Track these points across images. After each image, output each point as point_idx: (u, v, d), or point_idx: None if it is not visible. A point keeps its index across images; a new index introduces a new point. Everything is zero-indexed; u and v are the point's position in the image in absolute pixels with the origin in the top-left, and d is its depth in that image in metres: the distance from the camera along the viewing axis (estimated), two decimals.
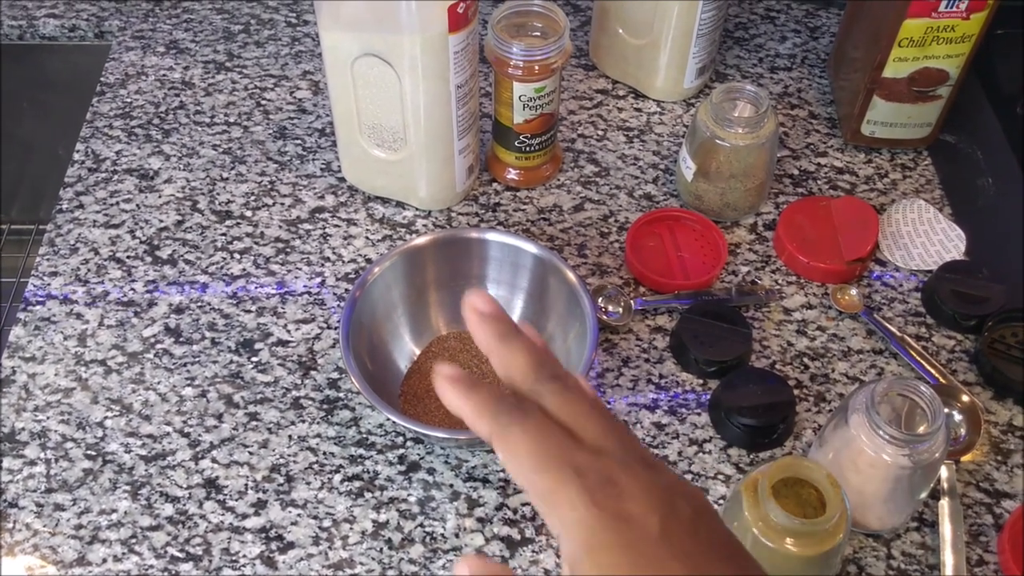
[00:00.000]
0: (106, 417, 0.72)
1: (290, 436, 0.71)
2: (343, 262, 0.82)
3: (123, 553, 0.65)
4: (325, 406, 0.73)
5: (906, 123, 0.88)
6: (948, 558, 0.64)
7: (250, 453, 0.70)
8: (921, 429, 0.61)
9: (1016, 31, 0.90)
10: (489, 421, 0.36)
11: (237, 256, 0.82)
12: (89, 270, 0.81)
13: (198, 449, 0.70)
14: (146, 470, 0.69)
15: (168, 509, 0.67)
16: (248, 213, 0.86)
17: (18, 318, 0.78)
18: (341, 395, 0.74)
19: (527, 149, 0.85)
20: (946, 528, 0.66)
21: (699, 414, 0.73)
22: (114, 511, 0.67)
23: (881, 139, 0.90)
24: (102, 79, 0.97)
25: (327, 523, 0.67)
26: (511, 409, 0.36)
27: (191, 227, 0.84)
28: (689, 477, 0.69)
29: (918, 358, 0.75)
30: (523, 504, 0.68)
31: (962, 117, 0.90)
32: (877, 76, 0.84)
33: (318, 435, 0.71)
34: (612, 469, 0.35)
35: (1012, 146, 0.86)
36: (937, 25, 0.79)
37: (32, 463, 0.69)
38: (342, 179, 0.88)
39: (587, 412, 0.37)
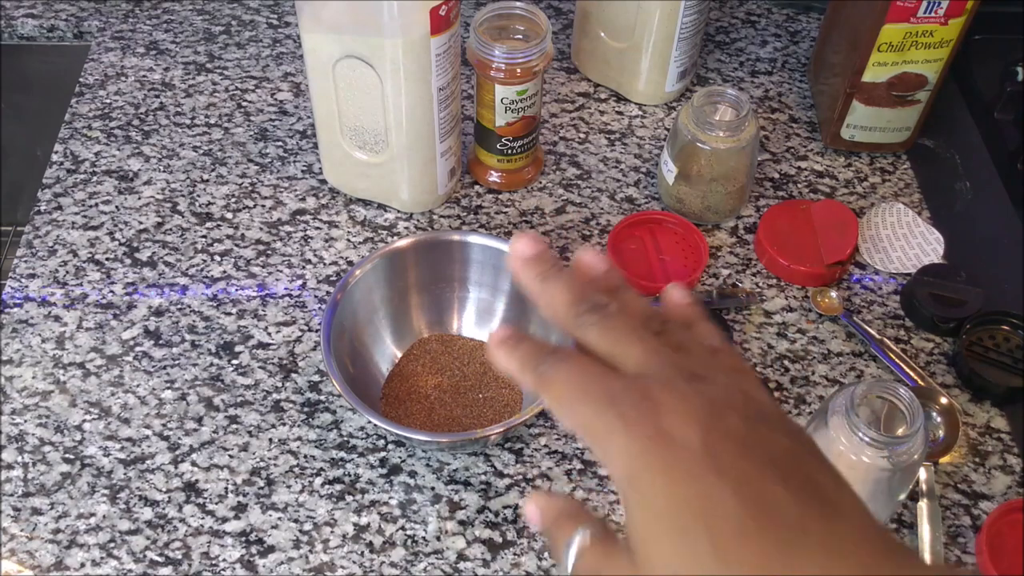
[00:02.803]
0: (84, 420, 0.71)
1: (271, 439, 0.71)
2: (324, 264, 0.82)
3: (101, 558, 0.65)
4: (306, 409, 0.73)
5: (885, 127, 0.89)
6: (927, 559, 0.65)
7: (230, 456, 0.70)
8: (900, 431, 0.61)
9: (993, 36, 0.91)
10: (531, 372, 0.37)
11: (217, 258, 0.82)
12: (67, 272, 0.81)
13: (178, 452, 0.70)
14: (125, 474, 0.69)
15: (147, 513, 0.67)
16: (228, 215, 0.85)
17: None
18: (322, 398, 0.73)
19: (509, 152, 0.85)
20: (925, 530, 0.66)
21: None
22: (92, 515, 0.67)
23: (861, 143, 0.90)
24: (81, 80, 0.97)
25: (308, 526, 0.67)
26: (548, 357, 0.37)
27: (171, 229, 0.84)
28: None
29: (897, 360, 0.76)
30: (504, 507, 0.68)
31: (940, 121, 0.90)
32: (856, 81, 0.85)
33: (299, 438, 0.71)
34: (648, 389, 0.34)
35: (990, 150, 0.86)
36: (916, 30, 0.80)
37: (9, 467, 0.69)
38: (323, 181, 0.87)
39: (629, 336, 0.36)
